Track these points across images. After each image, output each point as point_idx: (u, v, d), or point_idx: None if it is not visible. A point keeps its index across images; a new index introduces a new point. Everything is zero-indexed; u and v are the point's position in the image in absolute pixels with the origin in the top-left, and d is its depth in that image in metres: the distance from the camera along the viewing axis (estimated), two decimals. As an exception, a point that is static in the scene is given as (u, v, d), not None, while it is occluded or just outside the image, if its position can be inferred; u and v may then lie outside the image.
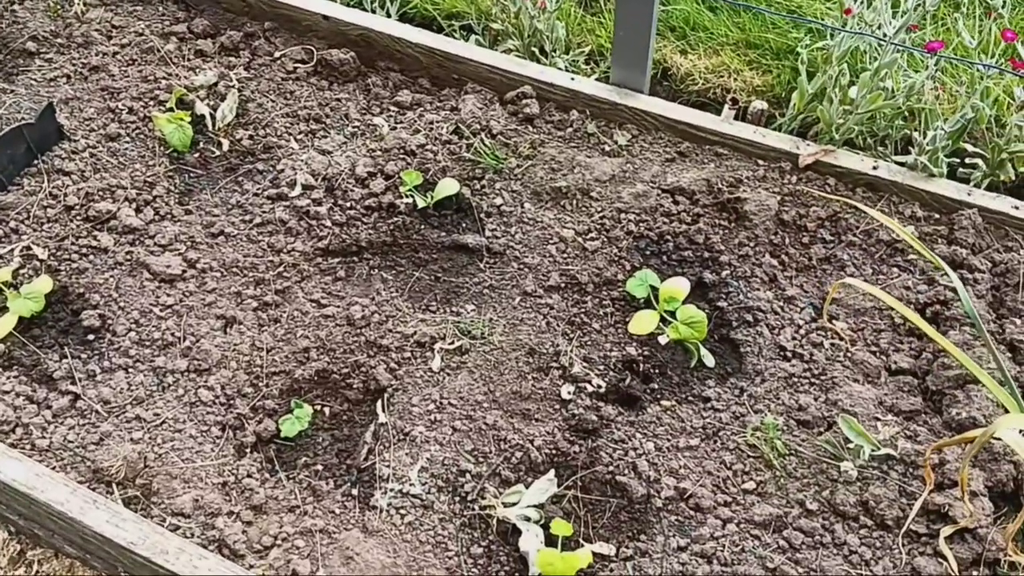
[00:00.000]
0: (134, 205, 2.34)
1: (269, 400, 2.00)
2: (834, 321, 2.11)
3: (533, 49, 2.83)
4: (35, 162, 2.43)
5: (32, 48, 2.74)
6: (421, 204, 2.33)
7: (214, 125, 2.54)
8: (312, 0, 2.73)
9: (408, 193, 2.35)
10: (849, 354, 2.05)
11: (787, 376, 2.02)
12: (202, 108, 2.54)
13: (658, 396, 1.99)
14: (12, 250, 2.24)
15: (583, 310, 2.13)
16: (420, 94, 2.64)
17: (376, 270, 2.26)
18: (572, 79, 2.52)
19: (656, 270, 2.17)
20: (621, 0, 2.32)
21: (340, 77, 2.68)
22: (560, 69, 2.64)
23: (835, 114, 2.34)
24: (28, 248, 2.25)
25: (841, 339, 2.08)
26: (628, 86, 2.49)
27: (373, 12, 2.94)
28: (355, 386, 2.02)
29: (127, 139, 2.50)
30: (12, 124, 2.38)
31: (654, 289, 2.11)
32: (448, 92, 2.62)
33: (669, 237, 2.24)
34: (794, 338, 2.08)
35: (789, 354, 2.05)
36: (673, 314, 2.06)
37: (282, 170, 2.43)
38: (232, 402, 2.00)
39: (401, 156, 2.44)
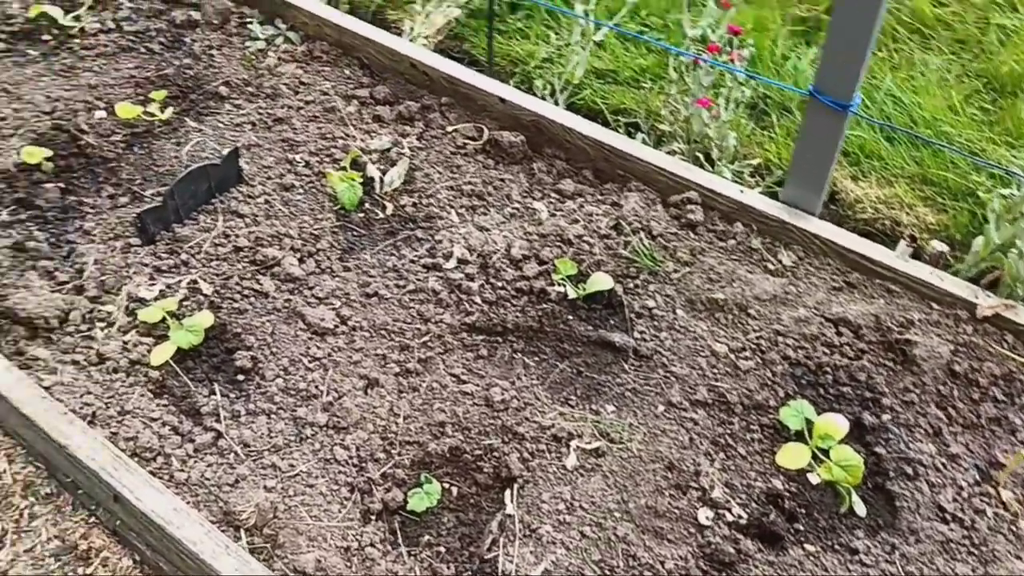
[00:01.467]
0: (298, 255, 2.43)
1: (400, 469, 2.01)
2: (1001, 489, 1.97)
3: (698, 154, 2.84)
4: (213, 200, 2.56)
5: (224, 92, 2.93)
6: (572, 295, 2.33)
7: (381, 188, 2.63)
8: (490, 82, 2.83)
9: (560, 281, 2.36)
10: (1014, 528, 1.91)
11: (944, 540, 1.88)
12: (373, 171, 2.65)
13: (802, 539, 1.89)
14: (180, 281, 2.36)
15: (729, 431, 2.06)
16: (583, 185, 2.67)
17: (519, 354, 2.26)
18: (741, 191, 2.51)
19: (811, 402, 2.09)
20: (809, 120, 2.31)
21: (507, 158, 2.75)
22: (726, 178, 2.64)
23: (1022, 268, 2.23)
24: (195, 282, 2.36)
25: (1007, 510, 1.94)
26: (799, 206, 2.46)
27: (543, 99, 3.03)
28: (486, 470, 2.00)
29: (300, 191, 2.62)
30: (199, 162, 2.53)
31: (808, 422, 2.03)
32: (611, 187, 2.65)
33: (828, 369, 2.16)
34: (955, 500, 1.95)
35: (948, 517, 1.92)
36: (826, 452, 1.97)
37: (440, 241, 2.49)
38: (364, 465, 2.01)
39: (557, 243, 2.46)
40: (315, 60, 3.06)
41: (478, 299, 2.35)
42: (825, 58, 2.20)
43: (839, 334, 2.22)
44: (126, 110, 2.75)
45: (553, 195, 2.64)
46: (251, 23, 3.16)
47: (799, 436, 2.02)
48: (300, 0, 3.10)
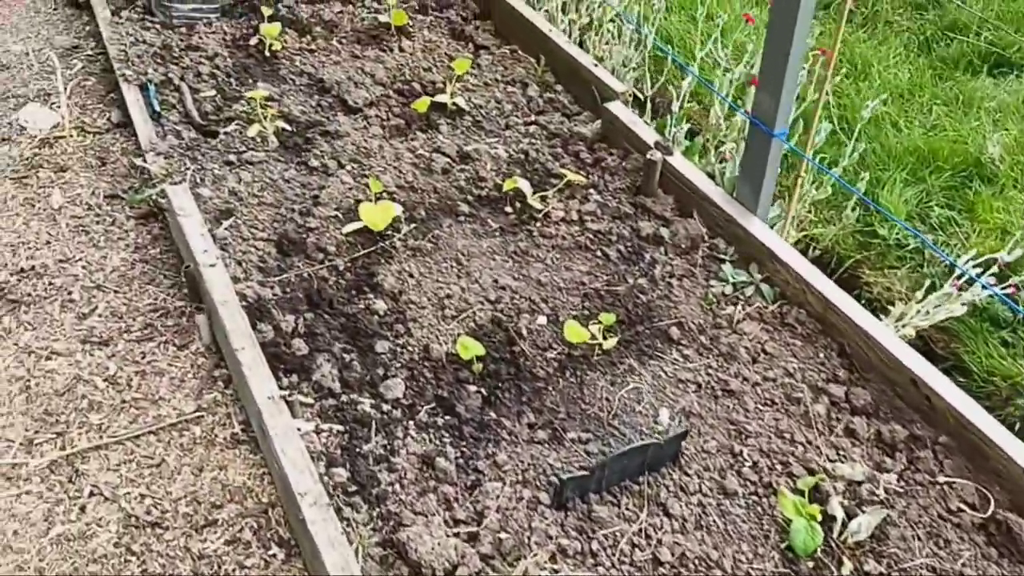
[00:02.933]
0: (727, 600, 1.98)
1: None
2: None
3: None
4: (641, 478, 2.21)
5: (675, 335, 2.61)
6: None
7: (840, 535, 2.12)
8: (1017, 445, 2.21)
9: None
10: None
11: None
12: (836, 508, 2.14)
13: None
14: (584, 580, 2.00)
15: None
16: None
17: None
18: None
19: None
20: None
21: (1019, 555, 2.11)
22: None
23: None
24: (601, 588, 1.99)
25: None
26: None
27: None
28: None
29: (741, 502, 2.18)
30: (640, 438, 2.20)
31: None
32: None
33: None
34: None
35: None
36: None
37: (912, 651, 1.91)
38: None
39: None
40: (785, 327, 2.65)
41: None
42: None
43: None
44: (573, 332, 2.51)
45: (1084, 643, 1.95)
46: (723, 260, 2.84)
47: None
48: (786, 255, 2.72)
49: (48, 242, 3.01)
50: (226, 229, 2.85)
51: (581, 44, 3.79)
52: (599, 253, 2.88)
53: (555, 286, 2.75)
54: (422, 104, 3.38)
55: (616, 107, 3.26)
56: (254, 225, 2.88)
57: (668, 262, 2.84)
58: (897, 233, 3.20)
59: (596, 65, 3.45)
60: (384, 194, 2.97)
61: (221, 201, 2.97)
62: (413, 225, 2.92)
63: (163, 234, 3.02)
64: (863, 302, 2.76)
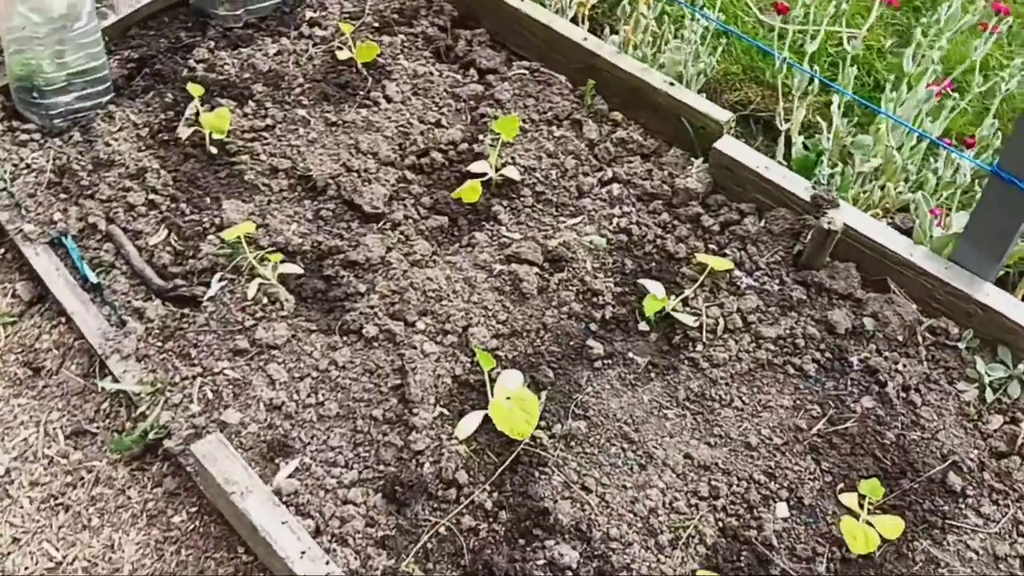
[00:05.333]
0: None
1: None
2: None
3: None
4: None
5: (955, 484, 1.99)
6: None
7: None
8: None
9: None
10: None
11: None
12: None
13: None
14: None
15: None
16: None
17: None
18: None
19: None
20: None
21: None
22: None
23: None
24: None
25: None
26: None
27: None
28: None
29: None
30: None
31: None
32: None
33: None
34: None
35: None
36: None
37: None
38: None
39: None
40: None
41: None
42: None
43: None
44: (857, 537, 1.85)
45: None
46: (959, 347, 2.20)
47: None
48: (1044, 325, 2.12)
49: (16, 539, 2.08)
50: (292, 477, 1.99)
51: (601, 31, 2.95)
52: (791, 371, 2.20)
53: (769, 444, 2.06)
54: (471, 193, 2.51)
55: (730, 147, 2.50)
56: (331, 460, 2.03)
57: (892, 367, 2.18)
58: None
59: (672, 84, 2.65)
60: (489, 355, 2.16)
61: (262, 427, 2.09)
62: (544, 393, 2.14)
63: (183, 482, 2.13)
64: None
